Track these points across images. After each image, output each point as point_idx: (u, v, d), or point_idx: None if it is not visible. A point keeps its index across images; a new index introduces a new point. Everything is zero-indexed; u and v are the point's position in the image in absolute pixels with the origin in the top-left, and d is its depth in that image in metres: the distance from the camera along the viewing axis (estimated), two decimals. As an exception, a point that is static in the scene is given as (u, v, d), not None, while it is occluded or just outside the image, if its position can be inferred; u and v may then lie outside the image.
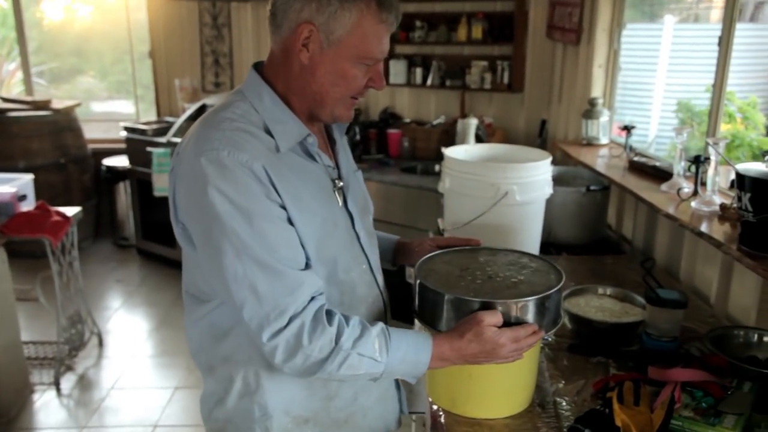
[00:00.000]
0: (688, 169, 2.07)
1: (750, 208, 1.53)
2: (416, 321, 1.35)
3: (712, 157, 1.90)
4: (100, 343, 3.70)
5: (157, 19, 5.15)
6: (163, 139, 4.53)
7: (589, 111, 2.97)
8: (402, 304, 1.57)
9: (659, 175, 2.32)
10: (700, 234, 1.76)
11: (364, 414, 1.33)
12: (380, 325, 1.16)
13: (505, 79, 3.82)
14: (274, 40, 1.18)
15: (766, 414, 1.33)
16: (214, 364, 1.26)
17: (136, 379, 3.37)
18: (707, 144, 2.07)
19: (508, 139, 3.86)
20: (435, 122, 4.14)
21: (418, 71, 4.06)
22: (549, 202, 1.96)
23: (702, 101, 4.33)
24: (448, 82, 4.00)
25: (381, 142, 4.13)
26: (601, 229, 2.49)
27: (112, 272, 4.78)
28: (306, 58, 1.14)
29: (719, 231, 1.78)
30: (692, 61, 4.35)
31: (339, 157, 1.32)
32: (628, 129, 2.70)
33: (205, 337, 1.26)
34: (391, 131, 4.10)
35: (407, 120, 4.28)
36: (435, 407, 1.39)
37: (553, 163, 1.98)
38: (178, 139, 4.49)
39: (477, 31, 3.79)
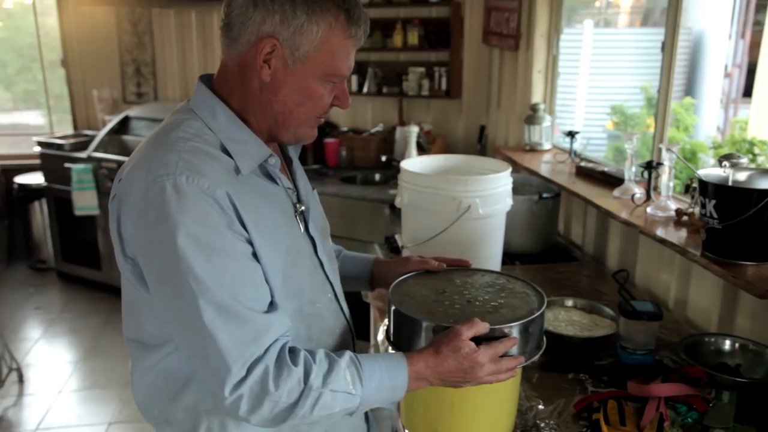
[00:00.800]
0: (641, 175, 2.07)
1: (715, 215, 1.52)
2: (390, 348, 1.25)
3: (666, 163, 1.90)
4: (21, 379, 3.39)
5: (70, 24, 4.83)
6: (83, 154, 4.25)
7: (532, 116, 2.96)
8: (359, 323, 1.46)
9: (609, 180, 2.32)
10: (663, 241, 1.75)
11: None
12: (348, 353, 1.05)
13: (443, 86, 3.79)
14: (229, 53, 1.06)
15: (746, 424, 1.31)
16: (171, 416, 1.12)
17: (64, 416, 3.11)
18: (660, 149, 2.08)
19: (448, 145, 3.83)
20: (373, 130, 4.06)
21: (354, 78, 3.97)
22: (502, 211, 1.91)
23: (634, 103, 4.46)
24: (385, 89, 3.93)
25: (318, 152, 4.01)
26: (552, 236, 2.47)
27: (29, 299, 4.44)
28: (267, 76, 1.03)
29: (676, 237, 1.77)
30: (616, 65, 4.48)
31: (297, 177, 1.21)
32: (572, 134, 2.70)
33: (158, 388, 1.11)
34: (328, 140, 3.99)
35: (344, 128, 4.18)
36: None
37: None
38: (99, 154, 4.23)
39: (413, 38, 3.74)
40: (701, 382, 1.39)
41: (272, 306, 1.02)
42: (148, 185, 0.96)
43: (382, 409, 1.13)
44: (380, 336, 1.81)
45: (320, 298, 1.16)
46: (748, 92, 6.22)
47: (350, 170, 3.90)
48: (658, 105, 2.20)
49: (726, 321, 1.72)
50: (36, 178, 4.68)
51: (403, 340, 1.18)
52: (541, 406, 1.43)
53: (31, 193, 4.71)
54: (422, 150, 3.45)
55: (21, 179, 4.77)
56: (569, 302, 1.76)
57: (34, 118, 5.63)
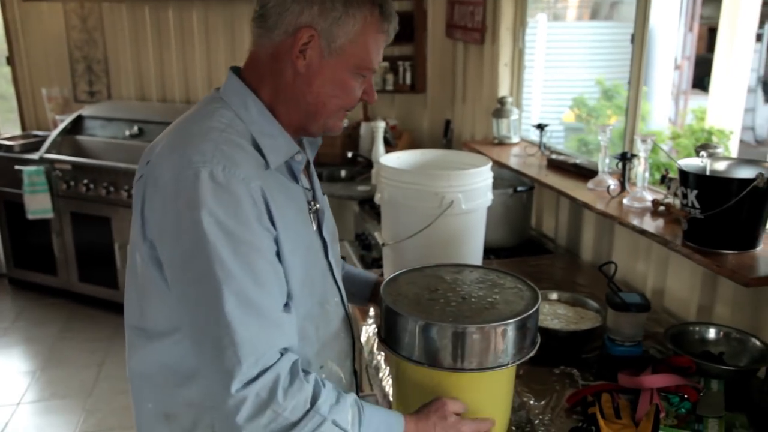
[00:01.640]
0: (616, 166, 2.09)
1: (697, 205, 1.54)
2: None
3: (641, 154, 1.91)
4: (-25, 393, 3.24)
5: (14, 19, 4.62)
6: (34, 156, 4.06)
7: (499, 110, 2.96)
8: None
9: (581, 172, 2.33)
10: (642, 232, 1.76)
11: None
12: (353, 395, 1.04)
13: (408, 80, 3.76)
14: (261, 43, 1.06)
15: (736, 411, 1.32)
16: (172, 411, 1.07)
17: (24, 429, 2.97)
18: (633, 140, 2.10)
19: (413, 140, 3.80)
20: (337, 126, 4.00)
21: (316, 74, 3.91)
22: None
23: (590, 96, 4.52)
24: (348, 85, 3.88)
25: (281, 149, 3.93)
26: (526, 230, 2.48)
27: (-21, 308, 4.24)
28: (303, 66, 1.04)
29: (655, 227, 1.79)
30: (570, 58, 4.54)
31: (313, 178, 1.21)
32: (541, 127, 2.71)
33: (160, 379, 1.07)
34: (292, 137, 3.92)
35: (307, 125, 4.11)
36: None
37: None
38: (52, 156, 4.05)
39: (376, 32, 3.70)
40: (690, 371, 1.40)
41: (287, 308, 1.01)
42: (182, 170, 0.95)
43: None
44: (364, 336, 1.77)
45: (329, 300, 1.17)
46: (696, 84, 6.40)
47: (315, 167, 3.83)
48: (629, 96, 2.22)
49: (705, 310, 1.75)
50: (-18, 182, 4.46)
51: (397, 338, 1.15)
52: (533, 402, 1.42)
53: (-23, 197, 4.49)
54: (389, 145, 3.42)
55: (-34, 183, 4.55)
56: (553, 296, 1.76)
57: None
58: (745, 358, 1.48)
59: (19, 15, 4.63)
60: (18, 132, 4.71)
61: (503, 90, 3.09)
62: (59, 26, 4.60)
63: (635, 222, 1.84)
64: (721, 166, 1.61)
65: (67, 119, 4.29)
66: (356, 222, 3.13)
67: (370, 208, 3.02)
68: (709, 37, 6.61)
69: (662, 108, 5.36)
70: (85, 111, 4.36)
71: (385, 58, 3.81)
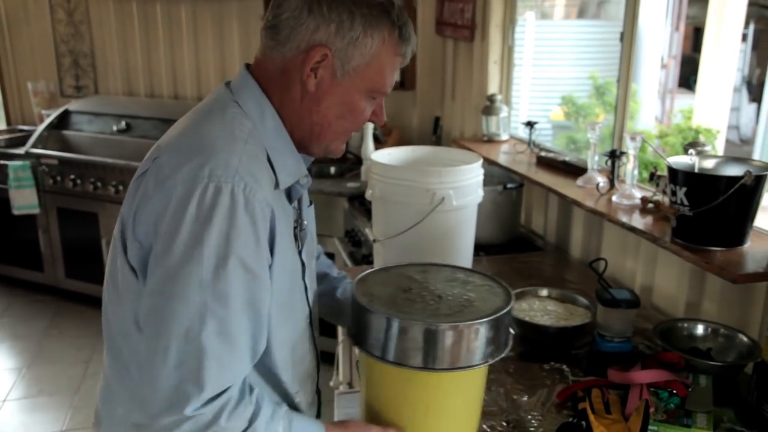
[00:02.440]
0: (605, 163, 2.10)
1: (686, 203, 1.55)
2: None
3: (631, 152, 1.92)
4: (-40, 390, 3.21)
5: None
6: (20, 151, 4.02)
7: (489, 107, 2.97)
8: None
9: (570, 170, 2.35)
10: (632, 229, 1.78)
11: None
12: (285, 407, 1.03)
13: (397, 77, 3.75)
14: (271, 55, 1.01)
15: (724, 406, 1.34)
16: (143, 421, 1.02)
17: (10, 427, 2.95)
18: (623, 138, 2.11)
19: (403, 137, 3.81)
20: (326, 122, 3.99)
21: (306, 70, 3.90)
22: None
23: (579, 93, 4.54)
24: (337, 81, 3.87)
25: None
26: (516, 227, 2.49)
27: (-36, 305, 4.20)
28: (313, 85, 1.00)
29: (644, 224, 1.80)
30: (559, 56, 4.56)
31: (303, 194, 1.16)
32: (531, 125, 2.72)
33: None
34: (281, 133, 3.90)
35: (296, 121, 4.10)
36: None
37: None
38: (38, 150, 4.01)
39: (366, 28, 3.69)
40: (678, 367, 1.41)
41: (255, 340, 0.98)
42: (200, 180, 0.89)
43: None
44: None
45: (300, 321, 1.13)
46: (683, 83, 6.45)
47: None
48: (618, 94, 2.23)
49: (693, 306, 1.76)
50: (-33, 177, 4.41)
51: (372, 341, 1.09)
52: (524, 398, 1.43)
53: (-39, 192, 4.44)
54: (378, 142, 3.42)
55: (-50, 178, 4.49)
56: (543, 292, 1.77)
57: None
58: (732, 354, 1.50)
59: (4, 8, 4.58)
60: (3, 126, 4.67)
61: (492, 87, 3.10)
62: (45, 20, 4.56)
63: (624, 219, 1.85)
64: (709, 163, 1.63)
65: (54, 114, 4.25)
66: (346, 219, 3.13)
67: (359, 204, 3.02)
68: (695, 36, 6.66)
69: (649, 106, 5.39)
70: (72, 106, 4.33)
71: (374, 55, 3.81)
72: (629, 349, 1.49)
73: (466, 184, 1.72)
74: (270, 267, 0.97)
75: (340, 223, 3.20)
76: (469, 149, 2.89)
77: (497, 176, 2.51)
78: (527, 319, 1.63)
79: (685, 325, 1.59)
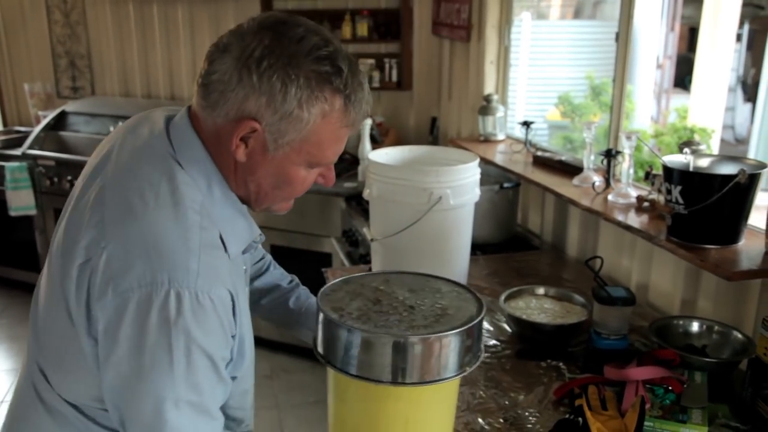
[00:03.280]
0: (601, 163, 2.11)
1: (681, 201, 1.56)
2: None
3: (626, 151, 1.94)
4: (-43, 391, 3.21)
5: (-5, 13, 4.57)
6: (17, 152, 4.02)
7: (485, 107, 2.98)
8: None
9: (566, 169, 2.36)
10: (628, 227, 1.79)
11: None
12: None
13: (394, 77, 3.77)
14: (203, 116, 0.93)
15: (719, 402, 1.35)
16: None
17: (8, 428, 2.95)
18: (618, 137, 2.13)
19: (400, 137, 3.82)
20: (323, 123, 4.00)
21: (303, 71, 3.90)
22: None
23: (575, 93, 4.56)
24: (334, 82, 3.88)
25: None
26: (512, 226, 2.50)
27: (-39, 306, 4.19)
28: (243, 156, 0.92)
29: (639, 223, 1.82)
30: (555, 56, 4.58)
31: None
32: (527, 124, 2.73)
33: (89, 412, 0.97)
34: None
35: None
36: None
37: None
38: (35, 152, 4.01)
39: (362, 29, 3.71)
40: (674, 363, 1.43)
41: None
42: (157, 284, 0.83)
43: None
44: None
45: (250, 353, 1.08)
46: (678, 83, 6.48)
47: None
48: (614, 94, 2.25)
49: (689, 304, 1.78)
50: (-37, 178, 4.41)
51: (343, 357, 0.99)
52: (521, 396, 1.44)
53: (-42, 193, 4.44)
54: (375, 142, 3.43)
55: (-54, 179, 4.49)
56: (540, 290, 1.78)
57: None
58: (727, 351, 1.51)
59: (0, 9, 4.58)
60: (0, 128, 4.66)
61: (489, 87, 3.12)
62: (42, 21, 4.56)
63: (620, 218, 1.86)
64: (704, 162, 1.64)
65: (50, 115, 4.25)
66: (343, 218, 3.14)
67: (356, 204, 3.03)
68: (690, 36, 6.68)
69: (645, 106, 5.42)
70: (69, 107, 4.32)
71: (371, 56, 3.83)
72: (625, 346, 1.50)
73: (463, 184, 1.73)
74: (233, 336, 0.94)
75: (337, 223, 3.21)
76: (465, 149, 2.90)
77: (494, 176, 2.52)
78: (524, 317, 1.64)
79: (681, 322, 1.60)
